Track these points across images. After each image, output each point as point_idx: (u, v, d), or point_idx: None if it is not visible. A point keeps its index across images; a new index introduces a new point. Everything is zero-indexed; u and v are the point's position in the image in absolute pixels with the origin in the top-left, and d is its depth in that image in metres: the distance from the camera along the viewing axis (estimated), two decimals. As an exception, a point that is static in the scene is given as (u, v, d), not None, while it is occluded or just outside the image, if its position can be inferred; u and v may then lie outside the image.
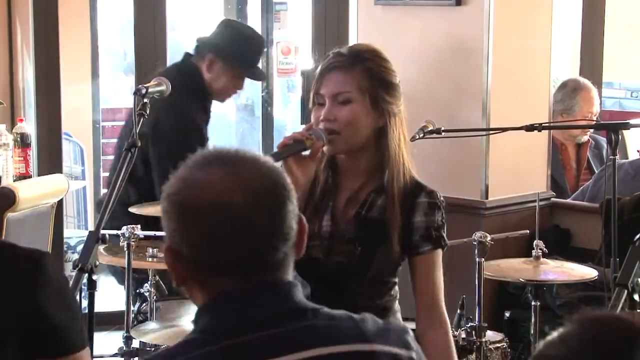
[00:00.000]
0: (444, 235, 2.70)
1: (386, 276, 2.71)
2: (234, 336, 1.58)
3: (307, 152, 2.60)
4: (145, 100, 2.94)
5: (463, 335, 3.51)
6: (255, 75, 4.64)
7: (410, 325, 2.87)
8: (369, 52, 2.69)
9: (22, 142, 4.93)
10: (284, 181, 1.64)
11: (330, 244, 2.66)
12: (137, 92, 2.95)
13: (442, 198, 2.71)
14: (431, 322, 2.69)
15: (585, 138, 5.24)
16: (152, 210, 3.96)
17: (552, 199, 4.78)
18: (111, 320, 5.23)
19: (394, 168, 2.65)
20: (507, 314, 4.32)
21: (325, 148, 2.65)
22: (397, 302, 2.79)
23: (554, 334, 1.34)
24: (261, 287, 1.61)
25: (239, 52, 4.39)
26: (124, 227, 3.60)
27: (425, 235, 2.66)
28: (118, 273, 4.35)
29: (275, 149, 2.60)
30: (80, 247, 5.15)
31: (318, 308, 1.65)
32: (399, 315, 2.80)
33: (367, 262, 2.64)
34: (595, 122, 4.93)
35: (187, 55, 4.52)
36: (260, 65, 4.64)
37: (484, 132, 4.30)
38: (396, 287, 2.78)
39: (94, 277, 2.50)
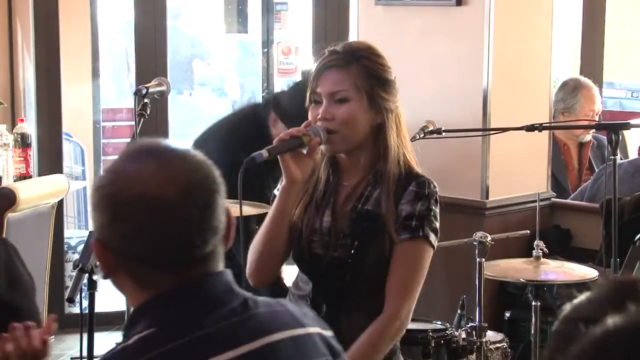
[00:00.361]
0: (428, 226, 2.63)
1: (386, 273, 2.70)
2: (192, 331, 1.60)
3: (304, 149, 2.60)
4: (146, 100, 2.94)
5: (463, 335, 3.51)
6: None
7: (414, 325, 2.88)
8: (365, 50, 2.69)
9: (23, 142, 4.94)
10: (214, 175, 1.65)
11: (329, 239, 2.67)
12: (137, 93, 2.96)
13: (434, 189, 2.66)
14: (385, 309, 2.62)
15: (587, 137, 5.23)
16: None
17: (553, 199, 4.78)
18: (111, 320, 5.23)
19: (389, 164, 2.65)
20: (507, 314, 4.32)
21: (324, 148, 2.65)
22: None
23: (582, 297, 1.32)
24: (203, 279, 1.63)
25: (298, 115, 4.19)
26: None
27: (404, 224, 2.63)
28: None
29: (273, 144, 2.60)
30: (80, 247, 5.16)
31: (253, 296, 1.70)
32: None
33: (364, 256, 2.64)
34: (595, 122, 4.93)
35: (267, 99, 4.34)
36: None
37: (484, 132, 4.30)
38: None
39: (94, 277, 2.50)
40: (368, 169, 2.69)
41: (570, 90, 5.21)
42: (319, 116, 2.64)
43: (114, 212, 1.61)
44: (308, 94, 2.70)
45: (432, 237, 2.65)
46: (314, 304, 2.68)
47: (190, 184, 1.61)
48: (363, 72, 2.64)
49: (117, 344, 1.66)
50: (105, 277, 1.67)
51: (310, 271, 2.73)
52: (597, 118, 5.18)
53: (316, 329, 1.74)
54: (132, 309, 1.68)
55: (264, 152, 2.51)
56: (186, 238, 1.61)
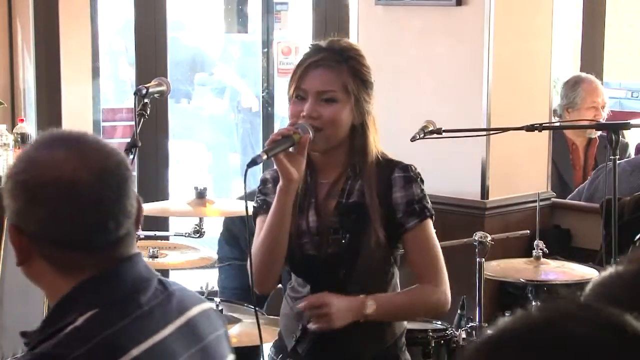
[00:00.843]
0: (428, 205, 2.70)
1: (385, 265, 2.71)
2: (134, 310, 1.66)
3: (292, 148, 2.60)
4: (146, 100, 2.94)
5: (463, 336, 3.52)
6: None
7: (414, 325, 2.88)
8: (352, 50, 2.69)
9: (23, 142, 4.94)
10: (126, 161, 1.72)
11: (319, 238, 2.67)
12: (137, 93, 2.96)
13: (417, 171, 2.71)
14: (429, 282, 2.70)
15: (596, 133, 5.19)
16: (153, 210, 3.96)
17: (553, 199, 4.78)
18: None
19: (367, 157, 2.67)
20: (507, 314, 4.32)
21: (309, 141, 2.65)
22: None
23: (610, 270, 1.34)
24: (126, 262, 1.70)
25: None
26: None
27: (409, 211, 2.66)
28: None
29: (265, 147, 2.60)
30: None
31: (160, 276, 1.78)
32: None
33: (357, 248, 2.65)
34: (595, 122, 4.91)
35: None
36: None
37: (484, 132, 4.30)
38: (396, 279, 2.77)
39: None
40: (345, 165, 2.70)
41: (571, 85, 5.19)
42: (304, 113, 2.63)
43: (30, 197, 1.65)
44: (291, 89, 2.68)
45: (432, 212, 2.73)
46: None
47: (105, 169, 1.66)
48: (352, 74, 2.65)
49: (46, 331, 1.67)
50: (19, 264, 1.70)
51: (305, 273, 2.72)
52: (603, 112, 5.13)
53: (209, 304, 1.87)
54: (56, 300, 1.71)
55: (262, 155, 2.52)
56: (102, 221, 1.66)
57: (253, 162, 2.51)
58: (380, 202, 2.64)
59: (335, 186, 2.70)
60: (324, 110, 2.62)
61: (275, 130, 2.88)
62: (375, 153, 2.69)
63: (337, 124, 2.63)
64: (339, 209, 2.67)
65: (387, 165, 2.69)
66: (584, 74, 5.33)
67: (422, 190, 2.70)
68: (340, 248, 2.65)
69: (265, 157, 2.52)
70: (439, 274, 2.69)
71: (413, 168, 2.70)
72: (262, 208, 2.71)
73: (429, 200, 2.72)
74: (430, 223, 2.71)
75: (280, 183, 2.60)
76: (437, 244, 2.72)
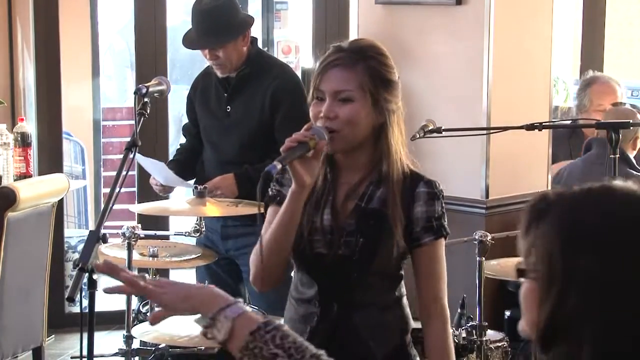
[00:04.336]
0: (445, 224, 2.70)
1: (393, 269, 2.71)
2: None
3: (309, 153, 2.57)
4: (146, 99, 2.94)
5: (464, 335, 3.52)
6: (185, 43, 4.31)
7: (414, 325, 2.88)
8: (371, 49, 2.68)
9: (23, 141, 4.93)
10: None
11: (332, 237, 2.65)
12: (137, 92, 2.96)
13: (441, 187, 2.70)
14: (431, 313, 2.70)
15: None
16: (153, 209, 3.96)
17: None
18: (111, 320, 5.23)
19: (393, 164, 2.66)
20: (507, 313, 4.33)
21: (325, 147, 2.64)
22: (404, 297, 2.78)
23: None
24: None
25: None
26: (124, 227, 3.59)
27: (427, 227, 2.66)
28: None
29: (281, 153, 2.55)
30: (80, 247, 5.16)
31: None
32: (407, 311, 2.79)
33: (371, 253, 2.64)
34: (595, 120, 4.89)
35: None
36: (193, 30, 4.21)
37: (484, 132, 4.30)
38: (402, 283, 2.77)
39: (95, 277, 2.50)
40: (368, 168, 2.68)
41: (582, 87, 5.17)
42: (322, 114, 2.62)
43: None
44: (311, 90, 2.68)
45: (448, 232, 2.73)
46: (324, 305, 2.65)
47: None
48: (368, 73, 2.63)
49: None
50: None
51: (313, 271, 2.70)
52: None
53: None
54: None
55: (277, 165, 2.45)
56: None
57: (268, 174, 2.44)
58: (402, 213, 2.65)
59: (357, 189, 2.69)
60: (340, 110, 2.61)
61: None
62: (400, 159, 2.67)
63: (354, 123, 2.62)
64: (357, 212, 2.66)
65: (412, 178, 2.68)
66: (599, 74, 5.29)
67: (443, 208, 2.69)
68: (351, 251, 2.64)
69: (279, 166, 2.46)
70: (442, 291, 2.71)
71: (437, 184, 2.69)
72: (276, 200, 2.67)
73: (446, 219, 2.71)
74: (443, 242, 2.70)
75: (293, 187, 2.56)
76: (444, 263, 2.72)
